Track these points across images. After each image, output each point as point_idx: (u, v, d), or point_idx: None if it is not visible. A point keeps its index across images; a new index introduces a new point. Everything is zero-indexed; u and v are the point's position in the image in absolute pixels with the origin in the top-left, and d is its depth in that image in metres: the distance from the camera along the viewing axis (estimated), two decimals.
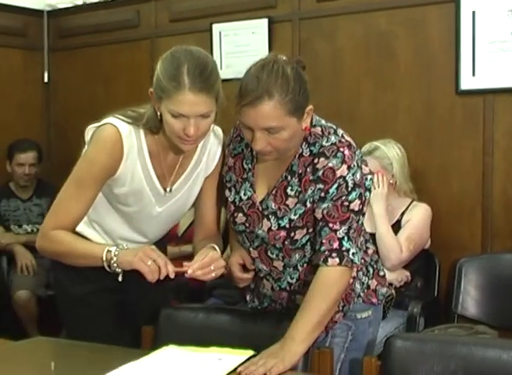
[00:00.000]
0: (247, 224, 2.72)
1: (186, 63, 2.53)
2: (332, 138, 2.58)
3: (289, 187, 2.62)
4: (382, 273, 2.89)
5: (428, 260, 4.46)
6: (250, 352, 2.48)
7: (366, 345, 2.85)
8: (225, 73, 5.28)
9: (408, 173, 4.40)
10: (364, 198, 2.57)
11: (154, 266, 2.50)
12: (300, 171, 2.60)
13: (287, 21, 5.19)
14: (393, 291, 4.10)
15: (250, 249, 2.77)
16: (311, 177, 2.57)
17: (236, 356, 2.44)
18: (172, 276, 2.50)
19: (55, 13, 6.52)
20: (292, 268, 2.72)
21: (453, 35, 4.52)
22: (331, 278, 2.53)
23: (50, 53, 6.56)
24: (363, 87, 4.92)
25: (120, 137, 2.69)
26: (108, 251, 2.61)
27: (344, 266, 2.52)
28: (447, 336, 3.34)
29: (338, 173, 2.52)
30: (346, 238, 2.53)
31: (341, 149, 2.54)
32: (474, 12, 4.44)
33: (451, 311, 4.22)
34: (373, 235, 4.16)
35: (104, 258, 2.61)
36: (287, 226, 2.62)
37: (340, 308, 2.74)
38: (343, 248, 2.52)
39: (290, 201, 2.61)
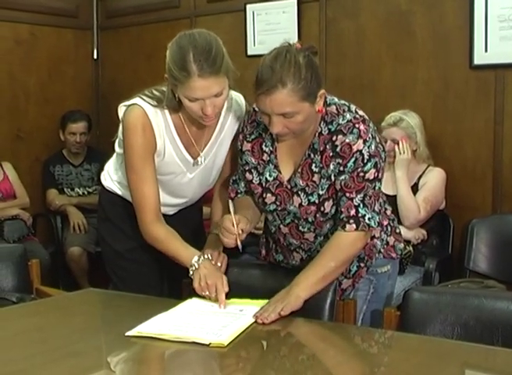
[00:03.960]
0: (277, 203, 2.68)
1: (191, 51, 2.49)
2: (347, 116, 2.54)
3: (314, 164, 2.58)
4: (398, 230, 2.88)
5: (443, 220, 4.45)
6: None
7: (385, 297, 2.84)
8: (257, 49, 5.36)
9: (425, 140, 4.38)
10: (379, 166, 2.55)
11: (207, 294, 2.54)
12: (321, 148, 2.56)
13: (315, 1, 5.13)
14: (411, 249, 4.12)
15: (281, 226, 2.74)
16: (331, 154, 2.54)
17: (256, 307, 2.44)
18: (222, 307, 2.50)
19: None
20: (323, 237, 2.70)
21: (467, 14, 4.46)
22: (345, 242, 2.54)
23: (99, 32, 6.54)
24: (384, 61, 4.87)
25: (147, 116, 2.70)
26: (191, 267, 2.60)
27: (361, 230, 2.51)
28: (460, 289, 3.31)
29: (354, 148, 2.50)
30: (361, 205, 2.52)
31: (356, 125, 2.51)
32: None
33: (464, 267, 4.19)
34: (394, 197, 4.18)
35: (189, 270, 2.60)
36: (317, 201, 2.60)
37: (364, 263, 2.75)
38: (359, 215, 2.51)
39: (316, 178, 2.59)
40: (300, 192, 2.62)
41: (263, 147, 2.69)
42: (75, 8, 6.40)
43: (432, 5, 4.64)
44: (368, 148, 2.50)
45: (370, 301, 2.80)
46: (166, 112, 2.74)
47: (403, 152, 4.23)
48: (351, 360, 2.14)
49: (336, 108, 2.57)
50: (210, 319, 2.35)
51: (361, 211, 2.51)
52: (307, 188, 2.60)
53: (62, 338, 2.26)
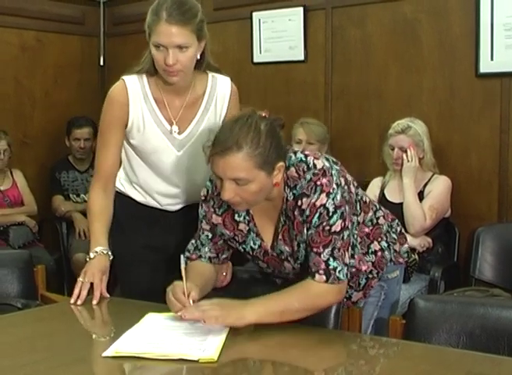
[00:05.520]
0: (271, 268, 2.63)
1: (167, 2, 2.67)
2: (308, 176, 2.39)
3: (290, 231, 2.49)
4: (399, 230, 2.84)
5: (448, 228, 4.45)
6: None
7: (394, 302, 2.84)
8: (264, 57, 5.38)
9: (431, 148, 4.37)
10: (345, 214, 2.41)
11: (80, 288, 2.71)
12: (290, 215, 2.46)
13: (321, 9, 5.15)
14: (417, 257, 4.11)
15: (282, 276, 2.69)
16: (301, 219, 2.43)
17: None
18: (94, 302, 2.68)
19: (110, 3, 6.54)
20: None
21: (473, 22, 4.47)
22: (314, 290, 2.39)
23: (105, 39, 6.58)
24: (390, 70, 4.88)
25: (125, 86, 2.86)
26: (91, 253, 2.78)
27: (331, 283, 2.37)
28: (466, 298, 3.31)
29: (318, 203, 2.37)
30: (331, 259, 2.38)
31: (318, 182, 2.38)
32: (492, 1, 4.39)
33: (469, 275, 4.18)
34: (400, 204, 4.21)
35: (90, 252, 2.79)
36: (307, 264, 2.48)
37: (375, 274, 2.70)
38: (330, 268, 2.38)
39: (294, 244, 2.50)
40: (289, 258, 2.55)
41: (236, 218, 2.56)
42: (81, 15, 6.44)
43: (437, 14, 4.65)
44: (333, 199, 2.38)
45: (381, 308, 2.78)
46: (145, 79, 2.88)
47: (411, 160, 4.23)
48: (356, 369, 2.13)
49: (296, 171, 2.43)
50: (183, 334, 2.26)
51: (332, 264, 2.37)
52: (293, 254, 2.52)
53: (66, 345, 2.25)
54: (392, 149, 4.32)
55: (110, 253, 2.79)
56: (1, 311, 2.80)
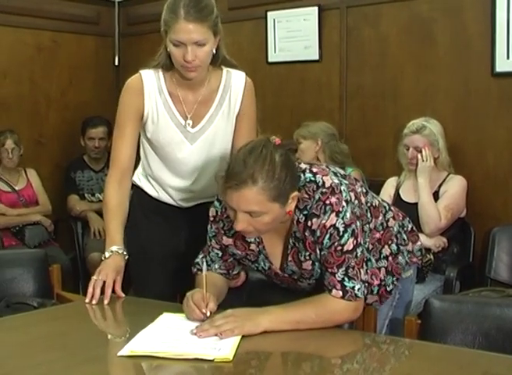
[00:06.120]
0: (285, 284, 2.63)
1: (183, 0, 2.70)
2: (317, 196, 2.36)
3: (300, 253, 2.47)
4: (410, 228, 2.80)
5: (464, 228, 4.43)
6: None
7: (408, 302, 2.83)
8: (278, 56, 5.40)
9: (447, 148, 4.35)
10: (357, 231, 2.38)
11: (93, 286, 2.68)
12: (301, 236, 2.43)
13: (335, 9, 5.15)
14: (432, 257, 4.10)
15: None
16: (312, 239, 2.40)
17: None
18: (105, 301, 2.66)
19: (125, 3, 6.56)
20: None
21: (489, 21, 4.45)
22: (332, 306, 2.36)
23: (120, 39, 6.60)
24: (405, 69, 4.87)
25: (141, 79, 2.91)
26: (106, 252, 2.76)
27: (348, 300, 2.35)
28: (482, 298, 3.29)
29: (327, 224, 2.34)
30: (346, 279, 2.35)
31: (327, 201, 2.34)
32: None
33: (485, 275, 4.17)
34: (415, 204, 4.20)
35: (105, 251, 2.77)
36: (318, 278, 2.50)
37: (390, 282, 2.68)
38: (346, 288, 2.36)
39: (306, 265, 2.48)
40: (301, 279, 2.54)
41: (247, 239, 2.53)
42: (96, 16, 6.47)
43: (453, 13, 4.63)
44: (343, 218, 2.34)
45: (395, 307, 2.76)
46: (160, 74, 2.92)
47: (426, 160, 4.22)
48: (370, 369, 2.13)
49: (306, 192, 2.39)
50: (195, 342, 2.22)
51: (347, 284, 2.35)
52: (304, 274, 2.52)
53: (82, 344, 2.26)
54: (407, 149, 4.31)
55: (125, 252, 2.79)
56: (18, 310, 2.82)
